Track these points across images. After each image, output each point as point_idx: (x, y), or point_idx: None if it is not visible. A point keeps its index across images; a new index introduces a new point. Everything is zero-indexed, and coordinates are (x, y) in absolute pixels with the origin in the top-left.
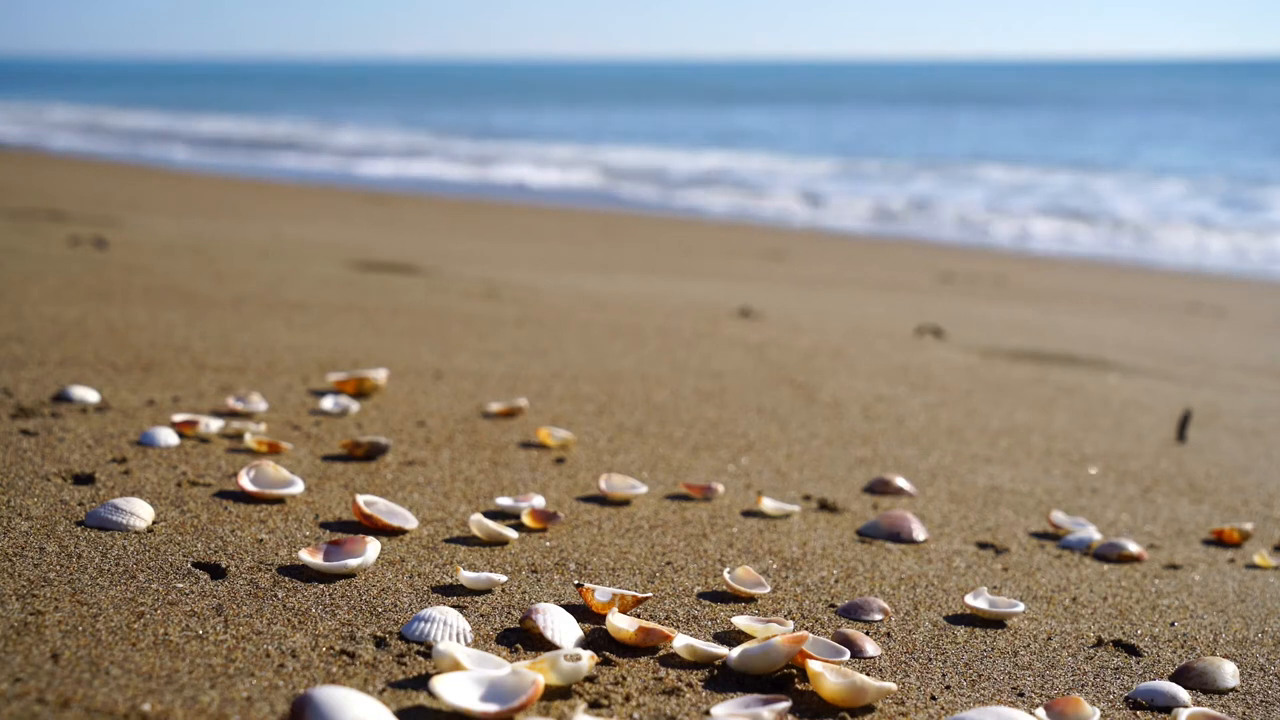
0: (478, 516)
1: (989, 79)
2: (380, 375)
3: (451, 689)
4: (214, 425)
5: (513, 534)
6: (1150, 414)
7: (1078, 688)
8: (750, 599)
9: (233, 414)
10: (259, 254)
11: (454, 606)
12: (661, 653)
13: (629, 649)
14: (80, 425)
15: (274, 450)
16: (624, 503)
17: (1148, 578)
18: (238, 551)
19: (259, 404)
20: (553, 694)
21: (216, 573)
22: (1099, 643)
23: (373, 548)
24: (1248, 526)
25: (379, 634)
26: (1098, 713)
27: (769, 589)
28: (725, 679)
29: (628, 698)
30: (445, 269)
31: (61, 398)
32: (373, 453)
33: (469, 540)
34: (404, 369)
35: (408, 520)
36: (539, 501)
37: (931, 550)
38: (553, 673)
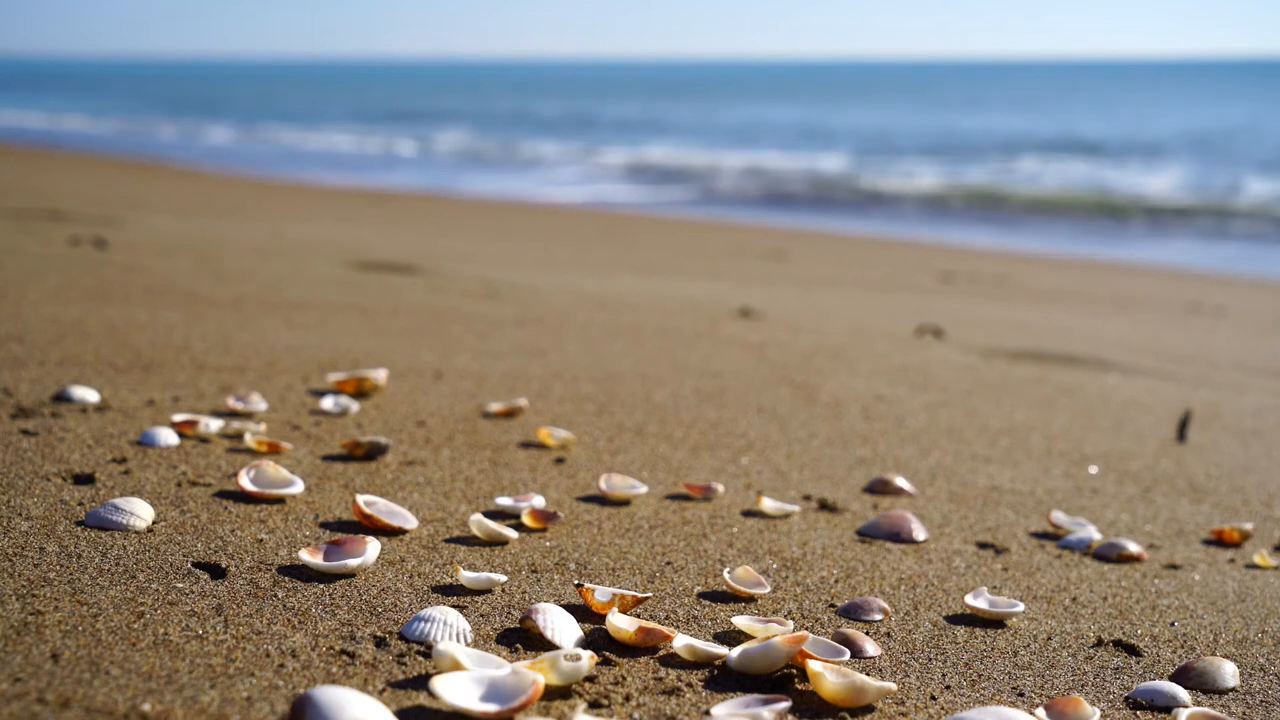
0: (478, 516)
1: (991, 79)
2: (380, 375)
3: (451, 689)
4: (214, 425)
5: (513, 534)
6: (1150, 414)
7: (1078, 688)
8: (750, 599)
9: (233, 414)
10: (259, 254)
11: (454, 606)
12: (661, 653)
13: (629, 649)
14: (80, 425)
15: (274, 450)
16: (624, 503)
17: (1148, 578)
18: (238, 551)
19: (259, 404)
20: (553, 694)
21: (216, 573)
22: (1099, 643)
23: (373, 548)
24: (1248, 526)
25: (379, 634)
26: (1098, 713)
27: (769, 589)
28: (725, 679)
29: (628, 698)
30: (445, 269)
31: (61, 398)
32: (373, 453)
33: (469, 540)
34: (404, 369)
35: (408, 520)
36: (539, 501)
37: (931, 550)
38: (553, 673)
